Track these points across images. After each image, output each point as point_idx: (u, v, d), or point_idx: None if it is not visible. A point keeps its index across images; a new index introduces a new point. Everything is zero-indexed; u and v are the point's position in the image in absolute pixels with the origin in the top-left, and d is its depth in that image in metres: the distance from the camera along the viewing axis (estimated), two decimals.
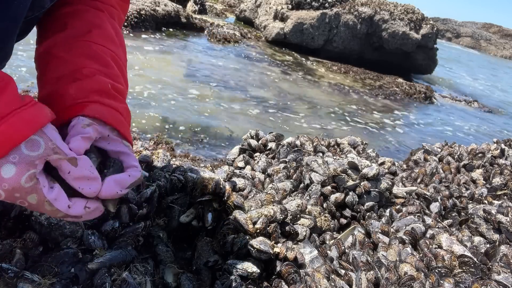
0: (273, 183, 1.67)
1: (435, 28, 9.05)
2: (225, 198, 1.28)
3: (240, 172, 1.75)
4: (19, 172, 0.63)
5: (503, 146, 2.60)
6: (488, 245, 1.44)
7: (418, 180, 2.25)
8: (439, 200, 1.83)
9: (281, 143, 2.13)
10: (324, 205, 1.65)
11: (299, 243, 1.32)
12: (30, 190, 0.65)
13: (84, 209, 0.71)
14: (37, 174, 0.66)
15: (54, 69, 0.84)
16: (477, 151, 2.66)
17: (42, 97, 0.85)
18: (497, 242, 1.46)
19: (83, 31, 0.89)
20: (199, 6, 10.79)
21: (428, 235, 1.51)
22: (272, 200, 1.39)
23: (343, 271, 1.22)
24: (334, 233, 1.57)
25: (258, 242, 1.13)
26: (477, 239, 1.53)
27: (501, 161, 2.44)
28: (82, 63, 0.84)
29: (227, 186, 1.32)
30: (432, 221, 1.62)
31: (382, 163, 2.14)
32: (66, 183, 0.69)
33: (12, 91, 0.64)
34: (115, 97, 0.85)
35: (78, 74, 0.82)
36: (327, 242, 1.46)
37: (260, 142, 2.19)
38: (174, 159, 2.21)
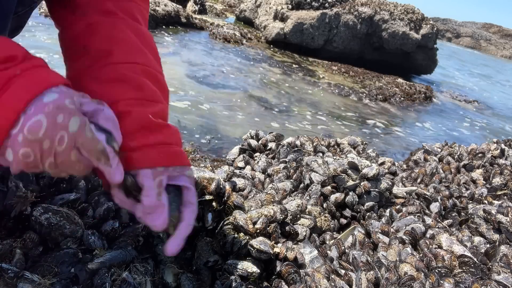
0: (273, 183, 1.67)
1: (435, 28, 9.05)
2: (225, 198, 1.28)
3: (240, 172, 1.75)
4: (61, 96, 0.64)
5: (503, 146, 2.60)
6: (488, 245, 1.44)
7: (418, 180, 2.25)
8: (439, 200, 1.83)
9: (281, 143, 2.13)
10: (324, 205, 1.65)
11: (299, 243, 1.32)
12: (73, 111, 0.64)
13: (118, 166, 0.71)
14: (75, 104, 0.66)
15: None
16: (477, 151, 2.66)
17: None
18: (497, 242, 1.46)
19: (105, 53, 0.82)
20: (199, 6, 10.79)
21: (428, 235, 1.51)
22: (272, 200, 1.39)
23: (343, 271, 1.22)
24: (334, 233, 1.57)
25: (258, 242, 1.13)
26: (477, 239, 1.53)
27: (501, 161, 2.44)
28: (114, 94, 0.79)
29: (227, 186, 1.32)
30: (432, 221, 1.62)
31: (382, 163, 2.15)
32: None
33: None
34: (158, 128, 0.81)
35: (116, 113, 0.75)
36: (327, 242, 1.46)
37: (260, 142, 2.19)
38: None
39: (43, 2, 0.93)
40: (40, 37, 4.47)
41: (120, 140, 0.74)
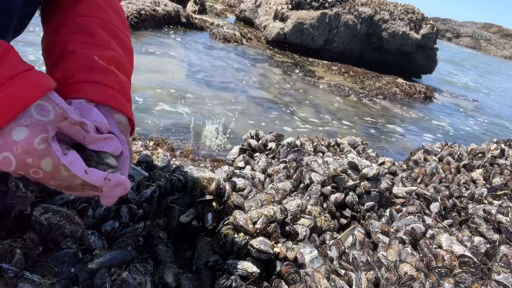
0: (273, 183, 1.67)
1: (435, 28, 9.05)
2: (225, 198, 1.28)
3: (240, 172, 1.75)
4: (31, 134, 0.61)
5: (503, 146, 2.60)
6: (488, 245, 1.44)
7: (418, 180, 2.25)
8: (439, 200, 1.83)
9: (281, 143, 2.13)
10: (324, 205, 1.65)
11: (299, 243, 1.32)
12: (44, 154, 0.62)
13: (104, 180, 0.67)
14: (49, 138, 0.63)
15: (50, 55, 0.85)
16: (477, 151, 2.66)
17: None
18: (497, 242, 1.46)
19: (68, 7, 0.88)
20: (199, 6, 10.79)
21: (428, 235, 1.51)
22: (272, 200, 1.39)
23: (343, 271, 1.22)
24: (334, 233, 1.57)
25: (258, 242, 1.13)
26: (477, 239, 1.53)
27: (501, 161, 2.44)
28: (67, 40, 0.83)
29: (227, 186, 1.32)
30: (432, 221, 1.62)
31: (382, 163, 2.14)
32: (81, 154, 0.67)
33: (15, 55, 0.63)
34: (103, 70, 0.81)
35: (64, 53, 0.81)
36: (327, 242, 1.46)
37: (260, 142, 2.19)
38: (174, 159, 2.21)
39: None
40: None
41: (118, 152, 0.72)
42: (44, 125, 0.62)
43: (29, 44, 3.97)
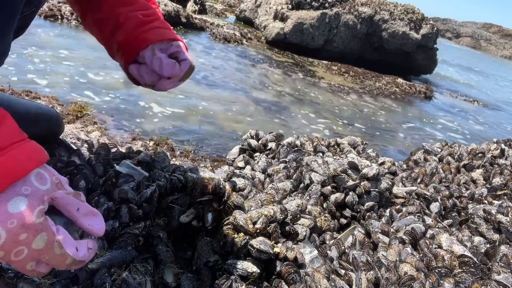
0: (273, 183, 1.67)
1: (435, 28, 9.05)
2: (225, 198, 1.28)
3: (240, 172, 1.75)
4: (30, 206, 0.55)
5: (503, 146, 2.60)
6: (488, 245, 1.44)
7: (418, 180, 2.25)
8: (439, 200, 1.83)
9: (281, 143, 2.13)
10: (324, 205, 1.65)
11: (299, 243, 1.32)
12: (41, 228, 0.55)
13: (88, 250, 0.63)
14: (44, 211, 0.57)
15: (104, 29, 1.12)
16: (477, 151, 2.66)
17: (111, 51, 1.15)
18: (497, 242, 1.46)
19: None
20: (199, 6, 10.79)
21: (428, 235, 1.51)
22: (272, 200, 1.39)
23: (343, 271, 1.22)
24: (334, 233, 1.57)
25: (258, 242, 1.13)
26: (477, 239, 1.53)
27: (501, 161, 2.44)
28: (115, 14, 1.09)
29: (227, 186, 1.32)
30: (432, 221, 1.62)
31: (382, 163, 2.14)
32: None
33: (11, 123, 0.59)
34: (150, 20, 1.10)
35: (117, 23, 1.08)
36: (327, 242, 1.46)
37: (260, 142, 2.19)
38: (174, 159, 2.21)
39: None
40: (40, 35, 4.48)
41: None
42: (42, 195, 0.57)
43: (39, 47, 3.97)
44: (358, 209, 1.66)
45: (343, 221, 1.65)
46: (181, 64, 1.08)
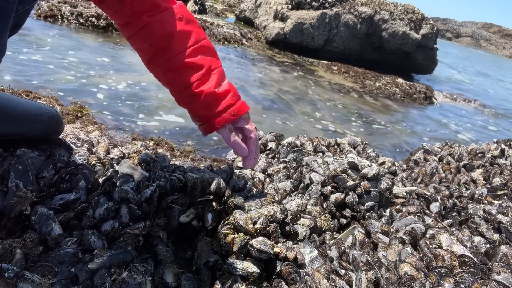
0: (273, 183, 1.67)
1: (435, 28, 9.05)
2: (225, 198, 1.28)
3: (240, 172, 1.75)
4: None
5: (503, 146, 2.60)
6: (488, 245, 1.44)
7: (418, 180, 2.25)
8: (439, 200, 1.83)
9: (281, 143, 2.13)
10: (324, 205, 1.65)
11: (299, 243, 1.31)
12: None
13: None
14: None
15: (173, 87, 1.25)
16: (477, 151, 2.66)
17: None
18: (497, 242, 1.46)
19: (166, 48, 1.15)
20: (199, 6, 10.79)
21: (428, 235, 1.51)
22: (272, 200, 1.39)
23: (343, 271, 1.22)
24: (334, 233, 1.57)
25: (258, 242, 1.13)
26: (477, 239, 1.53)
27: (501, 161, 2.44)
28: (186, 80, 1.17)
29: (227, 186, 1.32)
30: (432, 221, 1.62)
31: (382, 163, 2.14)
32: None
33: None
34: (222, 96, 1.19)
35: (191, 94, 1.19)
36: (327, 242, 1.46)
37: (260, 142, 2.19)
38: (174, 159, 2.21)
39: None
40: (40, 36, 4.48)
41: None
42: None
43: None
44: (358, 209, 1.66)
45: (343, 221, 1.65)
46: (247, 142, 1.26)
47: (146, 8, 1.12)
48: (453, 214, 1.77)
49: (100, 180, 1.25)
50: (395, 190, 1.82)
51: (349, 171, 1.75)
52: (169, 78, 1.20)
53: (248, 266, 1.09)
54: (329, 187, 1.69)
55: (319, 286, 1.10)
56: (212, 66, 1.19)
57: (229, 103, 1.20)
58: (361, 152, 2.33)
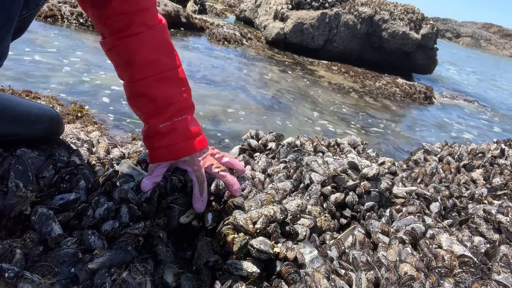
0: (273, 183, 1.67)
1: (435, 28, 9.04)
2: (225, 198, 1.28)
3: None
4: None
5: (503, 146, 2.60)
6: (488, 245, 1.44)
7: (418, 180, 2.25)
8: (439, 200, 1.83)
9: (281, 143, 2.13)
10: (324, 205, 1.65)
11: (299, 243, 1.32)
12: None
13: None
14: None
15: (137, 105, 1.23)
16: (477, 151, 2.66)
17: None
18: (497, 242, 1.46)
19: (130, 72, 1.15)
20: (199, 6, 10.78)
21: (428, 235, 1.51)
22: (272, 200, 1.39)
23: (343, 271, 1.22)
24: (334, 233, 1.57)
25: (258, 242, 1.13)
26: (477, 239, 1.53)
27: (501, 161, 2.44)
28: (140, 108, 1.19)
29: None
30: (432, 221, 1.62)
31: (382, 163, 2.14)
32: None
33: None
34: (167, 132, 1.18)
35: (143, 123, 1.23)
36: (327, 242, 1.46)
37: (260, 142, 2.19)
38: None
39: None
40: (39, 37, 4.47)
41: None
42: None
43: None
44: (358, 209, 1.66)
45: (343, 221, 1.65)
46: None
47: (118, 27, 1.10)
48: (453, 214, 1.77)
49: (100, 180, 1.25)
50: (395, 190, 1.82)
51: (349, 171, 1.75)
52: (128, 99, 1.21)
53: (248, 266, 1.09)
54: (329, 187, 1.69)
55: (319, 286, 1.10)
56: (171, 100, 1.16)
57: (170, 143, 1.18)
58: (361, 152, 2.33)
